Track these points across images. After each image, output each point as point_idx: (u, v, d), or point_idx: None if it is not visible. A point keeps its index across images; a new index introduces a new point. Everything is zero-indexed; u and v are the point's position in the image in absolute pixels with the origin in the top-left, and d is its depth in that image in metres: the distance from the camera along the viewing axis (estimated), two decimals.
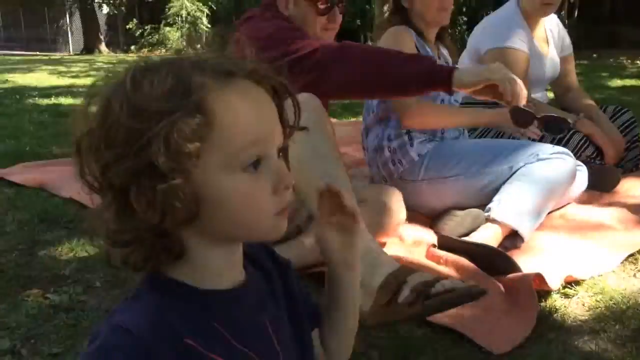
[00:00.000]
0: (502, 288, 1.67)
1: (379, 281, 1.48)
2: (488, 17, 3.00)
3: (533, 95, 2.64)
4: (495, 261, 1.80)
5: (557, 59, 2.89)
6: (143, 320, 0.59)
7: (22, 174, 3.06)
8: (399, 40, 2.18)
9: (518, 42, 2.63)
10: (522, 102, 1.66)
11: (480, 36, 2.79)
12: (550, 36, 2.87)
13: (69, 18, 23.42)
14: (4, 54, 17.38)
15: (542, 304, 1.64)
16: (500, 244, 1.97)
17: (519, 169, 2.10)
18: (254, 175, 0.61)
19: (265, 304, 0.70)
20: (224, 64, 0.61)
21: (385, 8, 6.86)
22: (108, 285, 1.86)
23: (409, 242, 1.97)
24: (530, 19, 2.72)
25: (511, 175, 2.10)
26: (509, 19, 2.72)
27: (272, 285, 0.73)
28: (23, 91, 7.07)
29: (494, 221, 2.00)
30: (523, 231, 2.00)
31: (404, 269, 1.52)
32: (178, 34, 18.31)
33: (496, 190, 2.09)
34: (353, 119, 4.81)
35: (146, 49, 17.90)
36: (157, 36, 18.63)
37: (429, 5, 2.25)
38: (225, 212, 0.61)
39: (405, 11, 2.29)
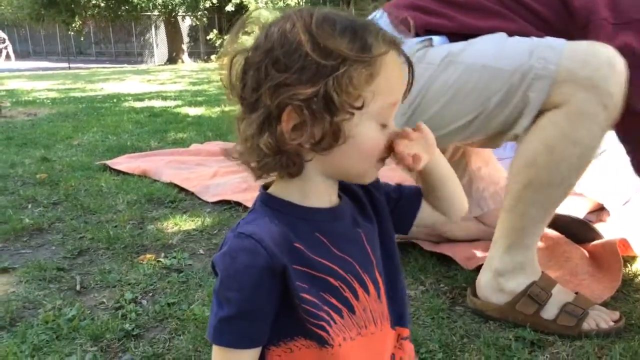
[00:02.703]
0: (586, 253, 1.71)
1: (521, 286, 1.45)
2: None
3: None
4: (578, 230, 1.83)
5: None
6: (260, 228, 0.72)
7: (126, 163, 3.35)
8: None
9: None
10: None
11: None
12: None
13: (155, 31, 24.73)
14: (97, 67, 18.60)
15: (628, 268, 1.67)
16: (585, 217, 2.00)
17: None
18: (381, 128, 0.72)
19: (358, 220, 0.81)
20: (387, 34, 0.70)
21: None
22: (210, 252, 2.05)
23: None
24: None
25: None
26: None
27: (362, 205, 0.84)
28: (119, 97, 7.61)
29: (580, 195, 2.02)
30: (609, 205, 2.01)
31: (548, 280, 1.47)
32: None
33: None
34: None
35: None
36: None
37: None
38: (352, 150, 0.70)
39: None
